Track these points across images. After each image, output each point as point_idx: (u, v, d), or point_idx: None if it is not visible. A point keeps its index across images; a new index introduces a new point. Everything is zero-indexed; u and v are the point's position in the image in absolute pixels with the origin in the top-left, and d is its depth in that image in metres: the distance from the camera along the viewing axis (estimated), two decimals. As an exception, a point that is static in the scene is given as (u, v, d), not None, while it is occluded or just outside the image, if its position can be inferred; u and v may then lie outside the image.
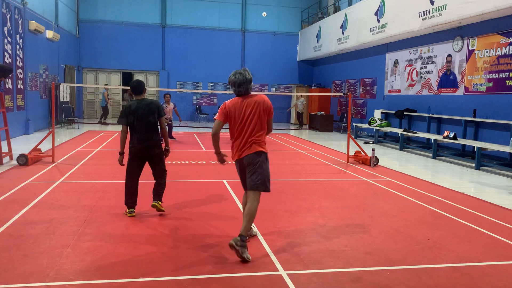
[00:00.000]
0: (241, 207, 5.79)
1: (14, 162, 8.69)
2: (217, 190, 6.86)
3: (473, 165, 10.05)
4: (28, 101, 14.41)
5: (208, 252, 4.17)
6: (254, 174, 4.05)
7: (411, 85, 14.86)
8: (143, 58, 22.47)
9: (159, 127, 5.37)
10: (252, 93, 4.21)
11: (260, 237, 4.65)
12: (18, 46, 13.45)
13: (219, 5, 23.22)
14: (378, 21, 15.10)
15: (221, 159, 4.32)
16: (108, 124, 18.29)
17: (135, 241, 4.43)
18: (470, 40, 11.94)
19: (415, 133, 12.97)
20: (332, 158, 10.87)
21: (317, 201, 6.39)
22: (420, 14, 12.70)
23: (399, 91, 15.65)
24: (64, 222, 4.95)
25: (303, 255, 4.16)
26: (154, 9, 22.54)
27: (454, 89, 12.63)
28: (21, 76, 13.77)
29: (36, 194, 6.23)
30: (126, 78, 22.86)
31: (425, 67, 14.08)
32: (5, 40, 12.42)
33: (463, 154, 11.31)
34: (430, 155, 11.67)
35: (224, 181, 7.53)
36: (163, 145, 5.43)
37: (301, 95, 21.18)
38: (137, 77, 22.81)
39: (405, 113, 14.52)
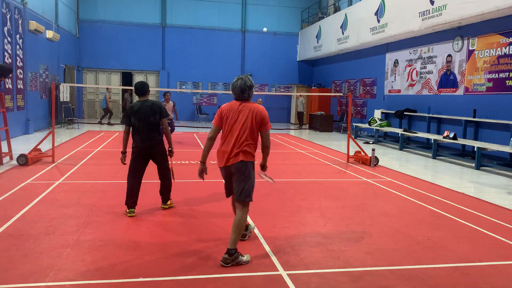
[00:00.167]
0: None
1: (14, 162, 8.69)
2: (217, 189, 6.86)
3: (473, 165, 10.04)
4: (28, 101, 14.41)
5: (209, 252, 4.17)
6: (241, 184, 3.91)
7: (411, 85, 14.86)
8: (143, 58, 22.47)
9: (161, 127, 5.46)
10: (251, 101, 4.10)
11: (260, 237, 4.65)
12: (18, 46, 13.45)
13: (219, 5, 23.21)
14: (378, 21, 15.10)
15: (201, 171, 4.11)
16: (113, 124, 18.31)
17: (135, 241, 4.43)
18: (470, 40, 11.94)
19: (415, 133, 12.97)
20: (332, 158, 10.87)
21: (317, 201, 6.39)
22: (420, 14, 12.70)
23: (399, 91, 15.65)
24: (64, 222, 4.95)
25: (303, 255, 4.16)
26: (154, 9, 22.54)
27: (454, 89, 12.63)
28: (21, 76, 13.77)
29: (36, 194, 6.23)
30: (126, 78, 22.87)
31: (425, 67, 14.08)
32: (5, 40, 12.42)
33: (463, 154, 11.31)
34: (430, 155, 11.67)
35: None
36: (167, 146, 5.53)
37: (300, 95, 21.19)
38: (137, 77, 22.83)
39: (405, 113, 14.52)
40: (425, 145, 12.98)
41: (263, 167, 4.28)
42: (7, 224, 4.82)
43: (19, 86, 13.48)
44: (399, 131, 13.47)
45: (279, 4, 23.90)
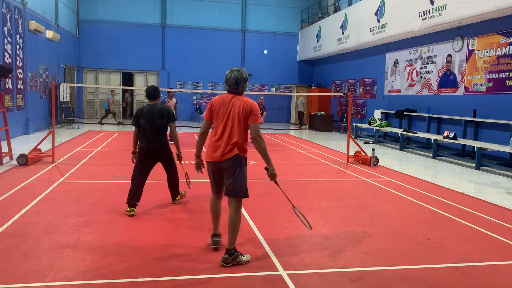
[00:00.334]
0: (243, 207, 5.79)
1: (14, 162, 8.69)
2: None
3: (473, 165, 10.05)
4: (28, 101, 14.41)
5: (209, 252, 4.17)
6: (235, 180, 3.80)
7: (411, 85, 14.86)
8: (143, 58, 22.47)
9: (168, 131, 5.68)
10: (243, 95, 3.96)
11: (260, 237, 4.65)
12: (18, 46, 13.45)
13: (219, 5, 23.22)
14: (378, 21, 15.10)
15: (198, 164, 4.10)
16: (121, 124, 18.31)
17: (135, 241, 4.43)
18: (470, 40, 11.94)
19: (415, 133, 12.97)
20: (332, 158, 10.87)
21: (317, 201, 6.39)
22: (420, 14, 12.70)
23: (399, 91, 15.65)
24: (64, 222, 4.95)
25: (303, 255, 4.16)
26: (154, 9, 22.55)
27: (454, 89, 12.63)
28: (21, 76, 13.77)
29: (36, 194, 6.23)
30: (126, 78, 22.88)
31: (425, 67, 14.08)
32: (5, 40, 12.42)
33: (463, 154, 11.31)
34: (430, 155, 11.67)
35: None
36: (175, 150, 5.73)
37: (300, 95, 21.19)
38: (137, 77, 22.85)
39: (405, 113, 14.52)
40: (425, 145, 12.98)
41: (268, 170, 3.93)
42: (7, 224, 4.82)
43: (19, 86, 13.48)
44: (399, 131, 13.47)
45: (279, 4, 23.91)
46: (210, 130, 4.08)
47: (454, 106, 12.61)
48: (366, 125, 15.83)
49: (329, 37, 19.43)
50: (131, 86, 22.46)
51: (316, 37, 21.13)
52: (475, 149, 10.04)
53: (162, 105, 5.63)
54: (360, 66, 18.70)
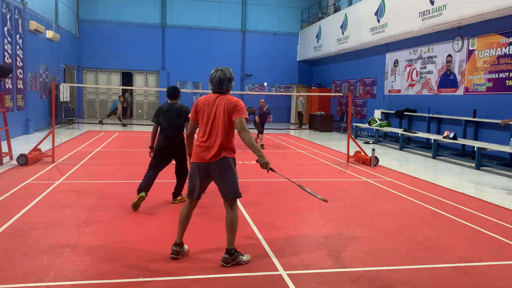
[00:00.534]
0: (241, 206, 5.80)
1: (14, 162, 8.69)
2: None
3: (473, 165, 10.05)
4: (28, 101, 14.41)
5: (209, 252, 4.17)
6: (226, 182, 3.77)
7: (411, 85, 14.86)
8: (143, 58, 22.47)
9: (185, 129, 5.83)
10: (228, 95, 3.88)
11: (260, 237, 4.65)
12: (18, 46, 13.45)
13: (219, 5, 23.21)
14: (378, 21, 15.10)
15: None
16: (126, 125, 18.31)
17: (136, 241, 4.43)
18: (470, 40, 11.94)
19: (415, 133, 12.97)
20: (332, 158, 10.87)
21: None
22: (420, 14, 12.70)
23: (399, 91, 15.65)
24: (64, 222, 4.95)
25: (303, 255, 4.16)
26: (154, 9, 22.54)
27: (454, 89, 12.63)
28: (21, 76, 13.77)
29: (36, 194, 6.23)
30: (126, 78, 22.88)
31: (425, 67, 14.08)
32: (5, 40, 12.42)
33: (463, 154, 11.31)
34: (430, 155, 11.67)
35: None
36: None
37: (300, 95, 21.20)
38: (137, 77, 22.85)
39: (405, 113, 14.52)
40: (425, 145, 12.98)
41: (259, 161, 3.84)
42: (7, 224, 4.82)
43: (19, 86, 13.48)
44: (399, 131, 13.47)
45: (279, 4, 23.90)
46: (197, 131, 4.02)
47: (454, 106, 12.61)
48: (366, 125, 15.83)
49: (329, 37, 19.43)
50: (131, 86, 22.46)
51: (316, 37, 21.13)
52: (475, 149, 10.04)
53: (181, 104, 5.87)
54: (360, 66, 18.70)
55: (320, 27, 20.62)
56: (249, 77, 23.86)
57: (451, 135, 11.12)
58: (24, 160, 8.44)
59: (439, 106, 13.26)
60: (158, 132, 5.83)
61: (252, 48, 23.74)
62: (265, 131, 12.60)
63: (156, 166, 5.78)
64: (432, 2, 12.09)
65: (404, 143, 13.23)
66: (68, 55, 19.91)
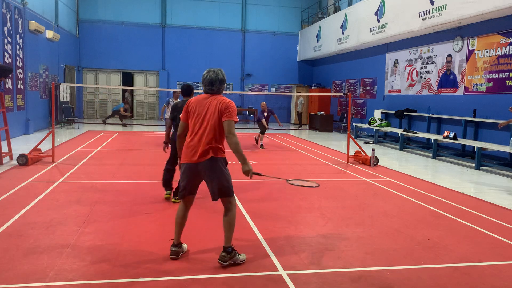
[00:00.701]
0: (241, 206, 5.80)
1: (14, 162, 8.69)
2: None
3: (473, 165, 10.05)
4: (28, 101, 14.41)
5: (209, 252, 4.17)
6: (218, 182, 3.73)
7: (411, 85, 14.86)
8: (143, 58, 22.47)
9: None
10: (220, 95, 3.87)
11: (260, 237, 4.65)
12: (18, 46, 13.45)
13: (219, 5, 23.21)
14: (378, 21, 15.10)
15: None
16: (126, 125, 18.29)
17: (135, 241, 4.43)
18: (470, 40, 11.94)
19: (415, 133, 12.97)
20: (332, 158, 10.87)
21: (317, 201, 6.39)
22: (420, 14, 12.70)
23: (399, 91, 15.65)
24: (64, 222, 4.94)
25: (303, 255, 4.16)
26: (154, 9, 22.54)
27: (454, 89, 12.63)
28: (21, 76, 13.77)
29: (36, 194, 6.23)
30: (126, 78, 22.87)
31: (425, 67, 14.08)
32: (5, 40, 12.42)
33: (463, 154, 11.31)
34: (430, 155, 11.67)
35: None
36: None
37: (300, 95, 21.19)
38: (137, 77, 22.85)
39: (405, 113, 14.52)
40: (425, 145, 12.98)
41: (244, 171, 3.77)
42: (7, 224, 4.82)
43: (19, 86, 13.48)
44: (399, 131, 13.47)
45: (279, 4, 23.90)
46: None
47: (454, 106, 12.61)
48: (366, 125, 15.83)
49: (329, 37, 19.43)
50: (131, 86, 22.46)
51: (316, 37, 21.13)
52: (475, 149, 10.04)
53: None
54: (360, 66, 18.70)
55: (320, 27, 20.62)
56: (249, 77, 23.86)
57: (451, 135, 11.12)
58: (24, 160, 8.44)
59: (439, 106, 13.26)
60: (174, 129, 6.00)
61: (252, 48, 23.74)
62: (265, 131, 12.57)
63: (171, 163, 6.07)
64: (432, 2, 12.09)
65: (404, 143, 13.23)
66: (68, 55, 19.91)
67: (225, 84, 3.91)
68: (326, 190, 7.20)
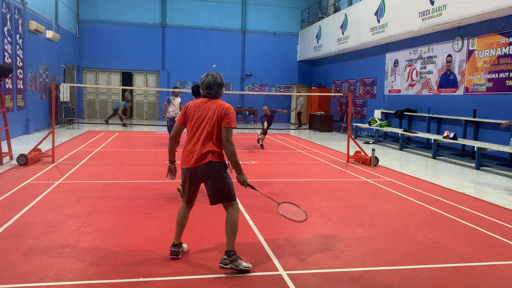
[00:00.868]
0: (241, 206, 5.80)
1: (14, 162, 8.69)
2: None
3: (473, 165, 10.05)
4: (28, 101, 14.41)
5: (208, 252, 4.17)
6: (217, 186, 3.72)
7: (411, 85, 14.86)
8: (143, 58, 22.47)
9: None
10: (219, 99, 3.87)
11: (260, 237, 4.65)
12: (18, 46, 13.45)
13: (219, 5, 23.22)
14: (378, 21, 15.10)
15: (170, 169, 3.97)
16: (126, 125, 18.28)
17: (136, 241, 4.43)
18: (470, 40, 11.94)
19: (415, 133, 12.97)
20: (332, 158, 10.87)
21: (317, 201, 6.39)
22: (420, 14, 12.70)
23: (399, 91, 15.65)
24: (64, 222, 4.95)
25: (303, 255, 4.16)
26: (154, 9, 22.54)
27: (454, 89, 12.63)
28: (21, 76, 13.77)
29: (36, 194, 6.23)
30: (126, 78, 22.88)
31: (425, 67, 14.08)
32: (5, 40, 12.42)
33: (463, 154, 11.31)
34: (430, 155, 11.67)
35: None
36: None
37: (299, 95, 21.18)
38: (137, 77, 22.85)
39: (405, 113, 14.52)
40: (425, 145, 12.98)
41: (239, 182, 3.76)
42: (7, 224, 4.82)
43: (19, 86, 13.48)
44: (399, 131, 13.47)
45: (279, 4, 23.91)
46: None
47: (454, 106, 12.61)
48: (366, 125, 15.83)
49: (329, 37, 19.43)
50: (131, 86, 22.46)
51: (316, 37, 21.13)
52: (475, 149, 10.04)
53: None
54: (360, 66, 18.70)
55: (320, 27, 20.62)
56: (249, 77, 23.86)
57: (451, 135, 11.12)
58: (24, 160, 8.44)
59: (439, 106, 13.26)
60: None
61: (252, 48, 23.74)
62: (266, 132, 12.54)
63: None
64: (432, 2, 12.09)
65: (404, 143, 13.23)
66: (68, 55, 19.91)
67: (224, 88, 3.90)
68: (326, 190, 7.20)
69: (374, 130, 15.07)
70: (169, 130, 12.95)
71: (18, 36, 13.46)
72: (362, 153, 10.12)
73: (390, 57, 16.28)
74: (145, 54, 22.46)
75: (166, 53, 22.78)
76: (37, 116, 15.40)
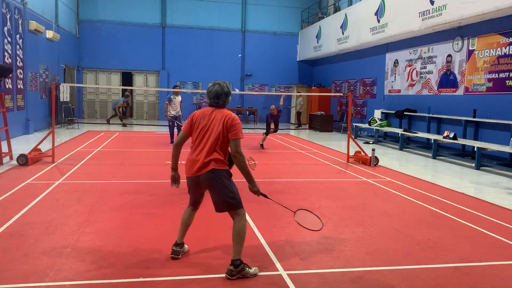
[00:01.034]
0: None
1: (14, 162, 8.69)
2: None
3: (473, 165, 10.04)
4: (28, 101, 14.41)
5: (209, 252, 4.17)
6: (222, 195, 3.66)
7: (411, 85, 14.86)
8: (143, 58, 22.47)
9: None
10: (225, 109, 3.85)
11: (260, 237, 4.65)
12: (18, 46, 13.45)
13: (219, 5, 23.21)
14: (378, 21, 15.10)
15: (173, 178, 3.93)
16: (126, 125, 18.26)
17: (136, 241, 4.43)
18: (470, 40, 11.94)
19: (415, 133, 12.97)
20: (332, 158, 10.87)
21: (317, 201, 6.39)
22: (420, 14, 12.70)
23: (399, 91, 15.65)
24: (64, 222, 4.95)
25: (303, 255, 4.16)
26: (154, 9, 22.54)
27: (454, 89, 12.63)
28: (21, 76, 13.77)
29: (36, 194, 6.23)
30: (126, 78, 22.87)
31: (425, 67, 14.08)
32: (5, 40, 12.42)
33: (463, 154, 11.31)
34: (430, 155, 11.67)
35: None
36: None
37: (300, 95, 21.18)
38: (137, 77, 22.84)
39: (405, 113, 14.52)
40: (425, 145, 12.98)
41: (252, 192, 3.77)
42: (7, 224, 4.82)
43: (19, 86, 13.48)
44: (399, 131, 13.47)
45: (279, 4, 23.90)
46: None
47: (454, 106, 12.61)
48: (366, 125, 15.83)
49: (329, 37, 19.43)
50: (131, 86, 22.46)
51: (316, 37, 21.13)
52: (475, 149, 10.04)
53: None
54: (360, 66, 18.69)
55: (320, 27, 20.62)
56: (249, 77, 23.86)
57: (451, 135, 11.12)
58: (24, 160, 8.44)
59: (439, 106, 13.26)
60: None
61: (252, 48, 23.74)
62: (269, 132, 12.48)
63: None
64: (432, 2, 12.09)
65: (404, 143, 13.23)
66: (68, 55, 19.91)
67: (230, 97, 3.86)
68: (326, 190, 7.20)
69: (374, 130, 15.07)
70: (170, 129, 12.94)
71: (18, 36, 13.46)
72: (362, 153, 10.12)
73: (390, 57, 16.28)
74: (145, 54, 22.46)
75: (166, 53, 22.78)
76: (37, 116, 15.40)
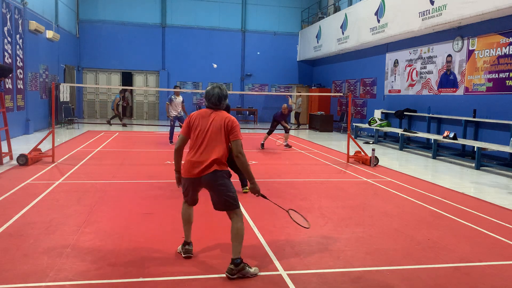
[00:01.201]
0: (241, 206, 5.79)
1: (14, 162, 8.69)
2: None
3: (473, 165, 10.04)
4: (28, 101, 14.41)
5: (209, 252, 4.17)
6: (222, 195, 3.70)
7: (411, 85, 14.86)
8: (143, 58, 22.47)
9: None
10: (223, 111, 3.88)
11: (260, 237, 4.65)
12: (18, 46, 13.45)
13: (219, 5, 23.21)
14: (378, 21, 15.10)
15: (178, 180, 3.98)
16: (126, 125, 18.25)
17: (136, 241, 4.43)
18: (470, 40, 11.94)
19: (415, 133, 12.97)
20: (332, 158, 10.87)
21: (317, 201, 6.39)
22: (420, 14, 12.70)
23: (399, 91, 15.65)
24: (64, 222, 4.95)
25: (303, 255, 4.16)
26: (154, 9, 22.54)
27: (454, 89, 12.63)
28: (21, 76, 13.77)
29: (36, 194, 6.23)
30: (126, 78, 22.87)
31: (425, 67, 14.08)
32: (5, 40, 12.42)
33: (463, 154, 11.31)
34: (430, 155, 11.67)
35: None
36: None
37: (299, 95, 21.17)
38: (137, 77, 22.84)
39: (405, 113, 14.52)
40: (425, 145, 12.98)
41: (252, 192, 3.85)
42: (7, 224, 4.82)
43: (19, 86, 13.48)
44: (399, 131, 13.47)
45: (279, 4, 23.90)
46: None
47: (454, 106, 12.60)
48: (366, 125, 15.82)
49: (329, 37, 19.43)
50: (131, 86, 22.46)
51: (316, 37, 21.13)
52: (475, 149, 10.04)
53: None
54: (360, 66, 18.69)
55: (320, 27, 20.62)
56: (249, 77, 23.86)
57: (451, 135, 11.12)
58: (24, 160, 8.44)
59: (439, 106, 13.26)
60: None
61: (252, 48, 23.74)
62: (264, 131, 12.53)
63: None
64: (432, 2, 12.09)
65: (404, 143, 13.23)
66: (68, 55, 19.91)
67: (227, 100, 3.95)
68: (326, 190, 7.20)
69: (374, 130, 15.07)
70: (171, 130, 12.94)
71: (18, 36, 13.46)
72: (362, 153, 10.12)
73: (390, 57, 16.28)
74: (145, 54, 22.45)
75: (166, 53, 22.78)
76: (37, 116, 15.40)
